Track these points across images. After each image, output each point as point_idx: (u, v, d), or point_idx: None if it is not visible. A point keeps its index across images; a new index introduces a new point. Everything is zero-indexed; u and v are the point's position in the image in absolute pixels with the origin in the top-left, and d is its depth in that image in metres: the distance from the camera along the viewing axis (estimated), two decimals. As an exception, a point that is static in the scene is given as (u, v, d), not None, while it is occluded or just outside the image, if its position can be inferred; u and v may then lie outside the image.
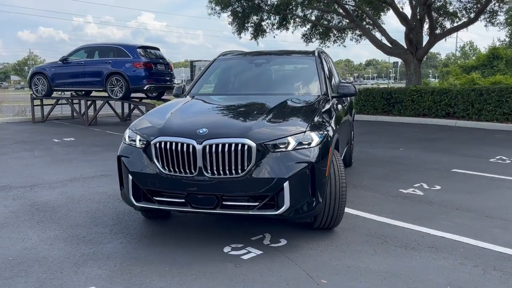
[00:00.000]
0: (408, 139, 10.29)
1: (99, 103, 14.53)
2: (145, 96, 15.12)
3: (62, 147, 9.56)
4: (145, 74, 13.04)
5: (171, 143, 3.66)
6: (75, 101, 15.22)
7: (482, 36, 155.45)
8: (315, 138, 3.70)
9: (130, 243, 3.91)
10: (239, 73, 5.47)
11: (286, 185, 3.52)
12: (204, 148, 3.57)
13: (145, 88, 13.09)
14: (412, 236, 4.00)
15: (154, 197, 3.82)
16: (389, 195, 5.40)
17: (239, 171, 3.54)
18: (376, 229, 4.20)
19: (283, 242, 3.88)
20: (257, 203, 3.60)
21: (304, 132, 3.70)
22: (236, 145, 3.54)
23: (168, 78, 14.16)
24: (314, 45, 22.51)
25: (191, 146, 3.59)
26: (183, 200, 3.71)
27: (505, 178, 6.30)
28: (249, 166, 3.53)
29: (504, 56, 32.18)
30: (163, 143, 3.69)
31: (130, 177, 3.85)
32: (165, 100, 15.31)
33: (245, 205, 3.64)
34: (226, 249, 3.73)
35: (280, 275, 3.23)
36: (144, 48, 13.81)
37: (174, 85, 14.69)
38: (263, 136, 3.60)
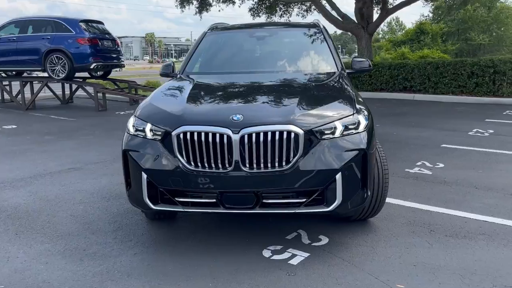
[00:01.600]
0: (377, 114, 10.16)
1: (36, 85, 13.01)
2: (89, 76, 13.80)
3: (5, 136, 8.34)
4: (91, 51, 11.77)
5: (199, 134, 3.03)
6: (5, 82, 13.55)
7: (405, 12, 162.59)
8: (362, 121, 3.24)
9: (147, 254, 3.27)
10: (241, 48, 4.83)
11: (338, 177, 3.04)
12: (242, 138, 2.98)
13: (91, 67, 11.83)
14: (455, 222, 3.73)
15: (176, 198, 3.19)
16: (398, 176, 5.11)
17: (284, 163, 3.01)
18: (412, 216, 3.87)
19: (324, 239, 3.43)
20: (304, 200, 3.10)
21: (352, 115, 3.23)
22: (281, 133, 2.99)
23: (115, 56, 12.96)
24: (261, 19, 21.89)
25: (225, 137, 2.99)
26: (214, 200, 3.13)
27: (499, 152, 6.29)
28: (296, 157, 3.01)
29: (430, 31, 33.62)
30: (188, 134, 3.05)
31: (144, 175, 3.17)
32: (112, 80, 14.12)
33: (289, 202, 3.13)
34: (266, 253, 3.22)
35: (348, 283, 2.79)
36: (87, 22, 12.47)
37: (122, 63, 13.58)
38: (310, 121, 3.08)
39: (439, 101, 12.43)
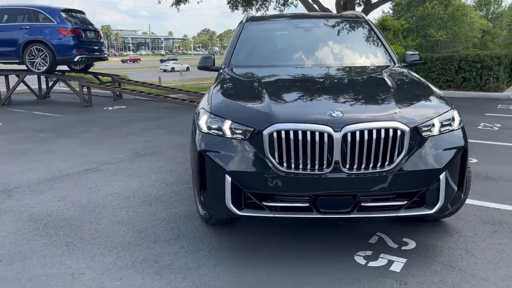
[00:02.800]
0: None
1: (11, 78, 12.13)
2: (69, 69, 13.04)
3: (-6, 134, 7.67)
4: (74, 43, 11.07)
5: (295, 133, 2.75)
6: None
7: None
8: (456, 117, 3.08)
9: (229, 264, 2.97)
10: (290, 40, 4.54)
11: (442, 177, 2.85)
12: (344, 136, 2.73)
13: (75, 59, 11.13)
14: (529, 220, 3.64)
15: (263, 203, 2.90)
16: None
17: (387, 163, 2.79)
18: (483, 215, 3.75)
19: (411, 242, 3.24)
20: (404, 202, 2.89)
21: (448, 111, 3.05)
22: (386, 130, 2.76)
23: (97, 48, 12.28)
24: (239, 12, 21.50)
25: (326, 135, 2.73)
26: (307, 205, 2.86)
27: (520, 146, 6.35)
28: (400, 157, 2.80)
29: (392, 27, 34.29)
30: (283, 133, 2.77)
31: (229, 178, 2.86)
32: (94, 74, 13.40)
33: (389, 206, 2.91)
34: (360, 260, 2.99)
35: (467, 290, 2.61)
36: (68, 11, 11.70)
37: (105, 55, 12.91)
38: (413, 118, 2.87)
39: (429, 96, 12.57)
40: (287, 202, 2.90)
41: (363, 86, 3.48)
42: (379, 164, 2.79)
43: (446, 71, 12.76)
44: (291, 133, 2.76)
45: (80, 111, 10.54)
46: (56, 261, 3.04)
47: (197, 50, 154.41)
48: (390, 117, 2.81)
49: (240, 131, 2.91)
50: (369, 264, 2.93)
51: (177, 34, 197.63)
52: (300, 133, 2.75)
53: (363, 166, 2.78)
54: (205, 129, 3.08)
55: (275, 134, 2.78)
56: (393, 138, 2.77)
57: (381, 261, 2.97)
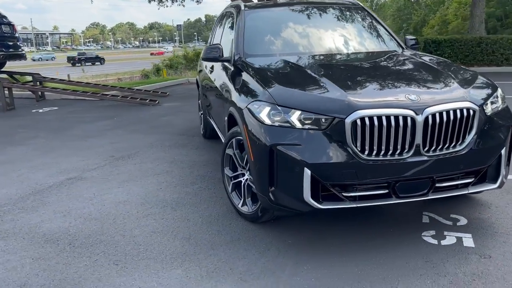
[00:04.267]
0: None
1: None
2: (-22, 69, 11.48)
3: None
4: (-12, 39, 9.79)
5: (379, 118, 2.70)
6: None
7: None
8: (500, 93, 3.25)
9: (309, 262, 2.84)
10: (302, 28, 4.40)
11: (503, 152, 3.02)
12: (426, 119, 2.74)
13: (-8, 57, 9.85)
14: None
15: (342, 193, 2.81)
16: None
17: (459, 143, 2.87)
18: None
19: (462, 219, 3.36)
20: (471, 179, 3.00)
21: (497, 89, 3.21)
22: (461, 110, 2.84)
23: (12, 44, 10.98)
24: (154, 4, 20.64)
25: (409, 119, 2.72)
26: (387, 191, 2.84)
27: None
28: (471, 136, 2.89)
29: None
30: (366, 119, 2.69)
31: (308, 171, 2.72)
32: (8, 73, 11.95)
33: (458, 184, 2.99)
34: (430, 240, 3.05)
35: (545, 256, 2.79)
36: (-24, 3, 10.27)
37: (23, 52, 11.61)
38: (478, 97, 2.98)
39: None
40: (366, 190, 2.84)
41: (414, 70, 3.50)
42: (453, 144, 2.86)
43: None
44: (375, 119, 2.69)
45: (5, 116, 9.34)
46: (119, 282, 2.66)
47: (87, 45, 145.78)
48: (462, 98, 2.89)
49: (312, 121, 2.78)
50: (443, 243, 3.00)
51: (63, 29, 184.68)
52: (384, 118, 2.70)
53: (439, 147, 2.82)
54: (268, 121, 2.89)
55: (358, 121, 2.69)
56: (466, 118, 2.85)
57: (450, 239, 3.05)
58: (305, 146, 2.76)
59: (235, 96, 3.48)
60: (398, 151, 2.76)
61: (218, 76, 4.40)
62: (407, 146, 2.76)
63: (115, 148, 6.04)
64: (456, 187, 2.99)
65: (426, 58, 3.80)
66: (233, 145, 3.49)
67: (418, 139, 2.75)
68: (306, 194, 2.76)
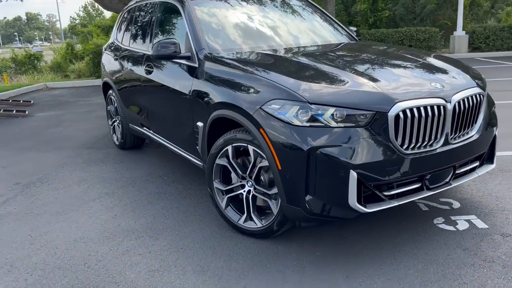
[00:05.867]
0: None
1: None
2: None
3: None
4: None
5: (418, 109, 2.57)
6: None
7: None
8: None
9: (355, 271, 2.59)
10: (260, 21, 3.98)
11: (496, 133, 3.19)
12: (454, 107, 2.71)
13: None
14: None
15: (383, 193, 2.63)
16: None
17: (472, 128, 2.93)
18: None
19: (455, 202, 3.43)
20: (476, 163, 3.09)
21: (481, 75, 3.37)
22: (476, 96, 2.90)
23: None
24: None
25: (441, 108, 2.66)
26: (419, 185, 2.75)
27: None
28: (480, 120, 2.98)
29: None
30: (408, 111, 2.54)
31: (354, 174, 2.46)
32: None
33: (468, 170, 3.05)
34: (445, 227, 3.07)
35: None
36: None
37: None
38: (479, 82, 3.06)
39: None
40: (402, 187, 2.70)
41: (406, 60, 3.39)
42: (468, 130, 2.90)
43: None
44: (415, 110, 2.56)
45: None
46: None
47: None
48: (473, 84, 2.95)
49: (349, 118, 2.52)
50: (459, 228, 3.03)
51: None
52: (422, 109, 2.58)
53: (460, 134, 2.83)
54: (297, 122, 2.54)
55: (401, 114, 2.52)
56: (480, 103, 2.92)
57: (462, 223, 3.11)
58: (347, 146, 2.49)
59: (228, 97, 2.99)
60: (431, 142, 2.68)
61: (174, 76, 3.78)
62: (439, 136, 2.69)
63: (13, 173, 4.85)
64: (468, 172, 3.04)
65: (406, 50, 3.85)
66: (229, 153, 3.01)
67: (448, 128, 2.71)
68: (351, 199, 2.50)
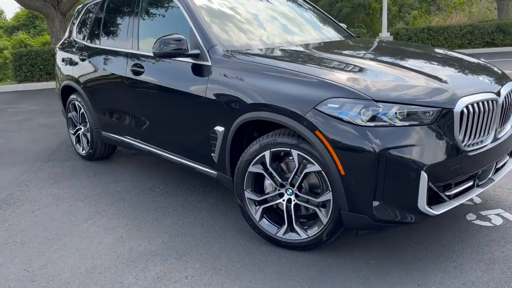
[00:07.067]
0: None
1: None
2: None
3: None
4: None
5: (478, 104, 2.50)
6: None
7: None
8: None
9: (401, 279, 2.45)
10: (261, 15, 3.66)
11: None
12: (503, 101, 2.68)
13: None
14: None
15: (445, 193, 2.51)
16: None
17: (510, 122, 2.94)
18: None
19: (475, 198, 3.46)
20: (508, 157, 3.10)
21: None
22: (512, 90, 2.90)
23: None
24: None
25: (495, 102, 2.61)
26: (472, 182, 2.68)
27: None
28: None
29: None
30: (470, 106, 2.45)
31: (425, 175, 2.31)
32: None
33: (505, 163, 3.04)
34: (482, 223, 3.04)
35: None
36: None
37: None
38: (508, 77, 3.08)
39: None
40: (458, 186, 2.60)
41: (444, 56, 3.31)
42: (505, 125, 2.88)
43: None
44: (475, 105, 2.48)
45: None
46: None
47: None
48: (507, 78, 2.94)
49: (414, 115, 2.37)
50: (496, 224, 3.02)
51: None
52: (481, 104, 2.51)
53: (502, 128, 2.81)
54: (360, 122, 2.33)
55: (465, 110, 2.42)
56: (512, 97, 2.93)
57: (496, 218, 3.10)
58: (416, 146, 2.33)
59: (267, 98, 2.68)
60: (484, 137, 2.61)
61: (177, 77, 3.36)
62: (490, 131, 2.64)
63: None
64: (502, 167, 3.04)
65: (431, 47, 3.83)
66: (266, 160, 2.71)
67: (497, 123, 2.67)
68: (421, 201, 2.34)
